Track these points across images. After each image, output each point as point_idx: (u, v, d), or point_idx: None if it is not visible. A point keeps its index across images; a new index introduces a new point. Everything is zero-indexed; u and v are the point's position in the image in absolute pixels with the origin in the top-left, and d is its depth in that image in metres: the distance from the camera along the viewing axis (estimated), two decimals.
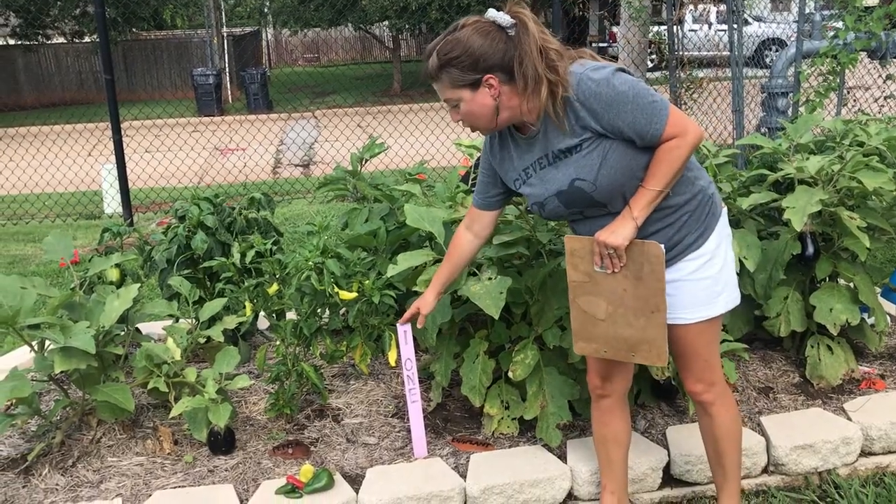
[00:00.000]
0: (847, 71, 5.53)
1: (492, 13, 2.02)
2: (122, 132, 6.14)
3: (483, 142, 2.32)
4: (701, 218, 2.17)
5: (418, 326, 2.54)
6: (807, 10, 6.57)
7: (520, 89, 2.02)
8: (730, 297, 2.24)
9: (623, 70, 2.04)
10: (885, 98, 5.93)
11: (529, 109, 2.07)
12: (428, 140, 9.14)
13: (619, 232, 2.08)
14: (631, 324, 2.19)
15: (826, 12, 6.87)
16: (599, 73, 2.00)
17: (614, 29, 16.00)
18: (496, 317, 2.46)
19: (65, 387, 2.89)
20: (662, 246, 2.10)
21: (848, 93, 7.01)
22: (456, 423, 2.93)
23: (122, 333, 2.91)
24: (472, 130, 2.18)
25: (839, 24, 5.14)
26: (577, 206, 2.14)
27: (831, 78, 5.10)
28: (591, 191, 2.08)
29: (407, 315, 2.52)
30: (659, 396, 2.99)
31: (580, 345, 2.30)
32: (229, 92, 17.22)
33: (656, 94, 2.02)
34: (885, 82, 5.78)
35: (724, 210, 2.27)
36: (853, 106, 6.90)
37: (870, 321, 3.20)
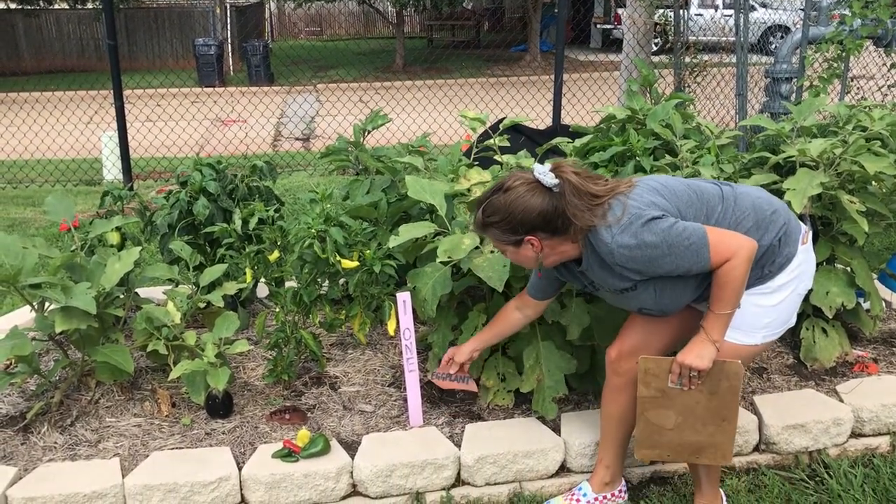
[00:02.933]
0: (852, 60, 5.53)
1: (538, 171, 2.10)
2: (124, 99, 6.12)
3: None
4: (767, 264, 2.21)
5: (451, 371, 2.70)
6: None
7: (566, 238, 2.13)
8: (771, 332, 2.26)
9: (654, 218, 2.06)
10: (889, 87, 5.92)
11: (575, 251, 2.18)
12: (430, 116, 9.12)
13: (704, 356, 2.16)
14: (699, 431, 2.25)
15: None
16: (628, 233, 2.05)
17: (619, 10, 15.92)
18: (500, 290, 2.48)
19: (64, 347, 2.91)
20: (741, 363, 2.17)
21: (852, 80, 6.99)
22: (451, 394, 2.95)
23: (123, 296, 2.92)
24: None
25: (846, 11, 5.13)
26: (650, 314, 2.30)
27: (836, 64, 5.09)
28: (660, 313, 2.24)
29: (443, 362, 2.71)
30: None
31: (643, 451, 2.36)
32: (231, 63, 17.14)
33: (692, 232, 2.05)
34: (889, 71, 5.77)
35: (805, 246, 2.27)
36: (856, 94, 6.88)
37: (865, 305, 3.23)
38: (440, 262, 2.66)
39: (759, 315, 2.22)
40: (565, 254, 2.18)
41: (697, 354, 2.16)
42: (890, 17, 4.96)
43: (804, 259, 2.26)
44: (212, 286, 3.02)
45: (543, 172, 2.08)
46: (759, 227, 2.18)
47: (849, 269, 3.07)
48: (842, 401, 2.87)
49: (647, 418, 2.29)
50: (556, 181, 2.07)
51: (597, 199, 2.08)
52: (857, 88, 6.96)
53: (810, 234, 2.32)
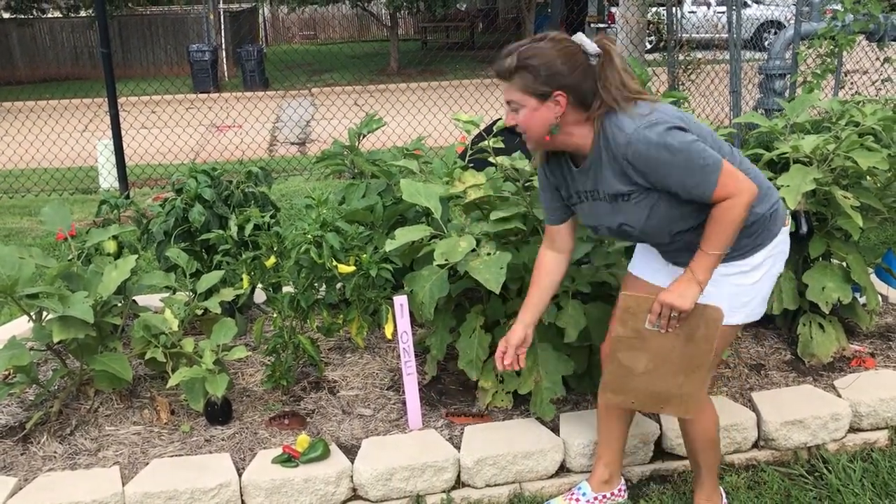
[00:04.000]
0: (845, 55, 5.54)
1: (580, 38, 2.03)
2: (119, 107, 6.12)
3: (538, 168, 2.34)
4: (754, 235, 2.18)
5: (520, 365, 2.40)
6: None
7: (583, 117, 2.06)
8: (752, 312, 2.24)
9: (679, 128, 2.01)
10: (883, 81, 5.94)
11: (583, 139, 2.10)
12: (426, 118, 9.13)
13: (686, 295, 2.08)
14: (668, 380, 2.19)
15: None
16: (653, 131, 1.98)
17: (613, 9, 15.93)
18: (496, 291, 2.48)
19: (63, 356, 2.91)
20: (722, 309, 2.11)
21: (846, 76, 7.01)
22: (450, 396, 2.96)
23: (120, 304, 2.93)
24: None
25: (838, 7, 5.14)
26: (626, 239, 2.29)
27: (829, 60, 5.10)
28: (636, 234, 2.16)
29: (498, 353, 2.39)
30: None
31: (608, 395, 2.30)
32: (225, 69, 17.12)
33: (710, 154, 2.00)
34: (882, 65, 5.79)
35: (785, 228, 2.26)
36: (850, 89, 6.89)
37: (861, 300, 3.23)
38: (437, 265, 2.67)
39: (739, 294, 2.20)
40: (572, 137, 2.09)
41: (680, 294, 2.08)
42: (881, 12, 4.98)
43: (783, 240, 2.25)
44: (209, 293, 3.03)
45: (587, 41, 2.01)
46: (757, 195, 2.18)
47: (844, 264, 3.08)
48: (839, 396, 2.88)
49: (618, 359, 2.23)
50: (598, 51, 2.01)
51: (626, 88, 2.02)
52: (852, 83, 6.97)
53: (789, 216, 2.32)
